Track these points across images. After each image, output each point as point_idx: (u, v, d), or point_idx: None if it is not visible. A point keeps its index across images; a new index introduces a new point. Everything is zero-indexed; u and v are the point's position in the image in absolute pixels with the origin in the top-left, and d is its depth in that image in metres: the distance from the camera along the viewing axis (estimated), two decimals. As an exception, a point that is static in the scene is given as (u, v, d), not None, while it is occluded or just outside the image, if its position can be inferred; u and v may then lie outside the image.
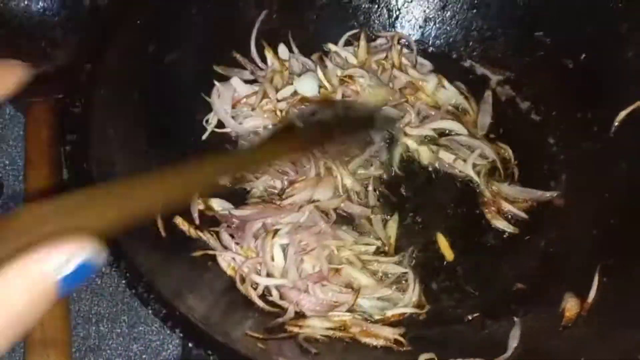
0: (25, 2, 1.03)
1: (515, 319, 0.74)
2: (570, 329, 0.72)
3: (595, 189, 0.86)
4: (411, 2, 1.02)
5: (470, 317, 0.79)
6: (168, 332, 0.84)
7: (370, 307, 0.79)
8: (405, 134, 0.93)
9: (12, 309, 0.33)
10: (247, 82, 0.95)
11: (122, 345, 0.83)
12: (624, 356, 0.62)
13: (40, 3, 1.03)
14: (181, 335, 0.57)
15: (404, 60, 1.01)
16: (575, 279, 0.77)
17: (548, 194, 0.89)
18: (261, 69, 0.97)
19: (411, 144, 0.92)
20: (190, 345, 0.57)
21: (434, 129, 0.94)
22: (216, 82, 0.92)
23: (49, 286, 0.34)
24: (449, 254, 0.85)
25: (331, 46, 1.00)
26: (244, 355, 0.57)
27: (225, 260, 0.80)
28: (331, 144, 0.79)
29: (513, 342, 0.72)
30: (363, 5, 1.02)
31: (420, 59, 1.02)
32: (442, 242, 0.85)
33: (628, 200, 0.81)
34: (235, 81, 0.93)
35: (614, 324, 0.69)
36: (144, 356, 0.83)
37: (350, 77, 0.95)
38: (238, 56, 0.96)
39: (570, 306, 0.74)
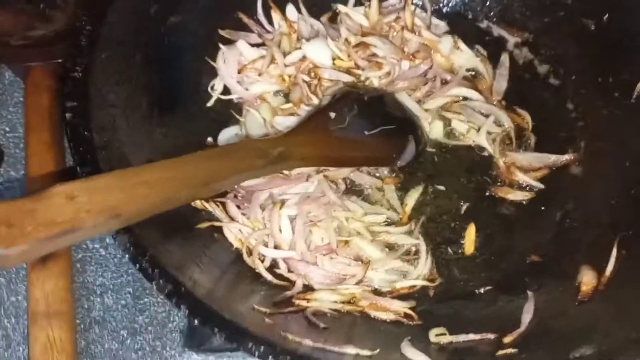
0: (24, -38, 1.00)
1: (529, 292, 0.72)
2: (586, 304, 0.70)
3: (615, 157, 0.83)
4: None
5: (482, 291, 0.78)
6: (174, 303, 0.83)
7: (379, 280, 0.78)
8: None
9: None
10: (253, 45, 0.91)
11: (127, 317, 0.83)
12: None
13: (39, -38, 1.00)
14: (187, 311, 0.55)
15: (417, 21, 0.97)
16: (593, 251, 0.75)
17: (564, 157, 0.87)
18: (268, 32, 0.94)
19: (425, 117, 0.89)
20: (196, 322, 0.55)
21: (451, 96, 0.91)
22: (222, 46, 0.89)
23: None
24: (468, 248, 0.82)
25: (341, 7, 0.96)
26: (250, 332, 0.56)
27: (231, 232, 0.78)
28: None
29: (527, 317, 0.70)
30: (374, -37, 0.97)
31: (435, 20, 0.99)
32: (470, 235, 0.83)
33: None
34: (242, 44, 0.89)
35: (633, 298, 0.67)
36: (149, 328, 0.82)
37: (364, 44, 0.91)
38: (244, 17, 0.93)
39: (587, 280, 0.72)
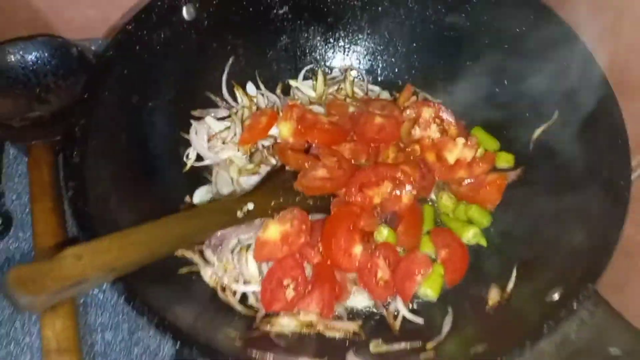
0: (20, 53, 1.17)
1: (449, 309, 0.90)
2: (491, 315, 0.87)
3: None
4: (359, 39, 1.17)
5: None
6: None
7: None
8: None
9: None
10: (220, 119, 1.10)
11: (125, 349, 0.98)
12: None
13: (33, 53, 1.17)
14: (171, 337, 0.72)
15: (356, 90, 1.16)
16: (499, 274, 0.93)
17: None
18: (232, 106, 1.12)
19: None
20: (177, 345, 0.71)
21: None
22: (192, 122, 1.07)
23: None
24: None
25: (292, 82, 1.15)
26: (222, 351, 0.72)
27: (207, 274, 0.95)
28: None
29: (446, 328, 0.88)
30: (318, 44, 1.17)
31: (371, 86, 1.18)
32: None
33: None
34: (209, 120, 1.08)
35: (521, 311, 0.85)
36: (143, 357, 0.97)
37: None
38: (211, 96, 1.11)
39: (493, 295, 0.90)
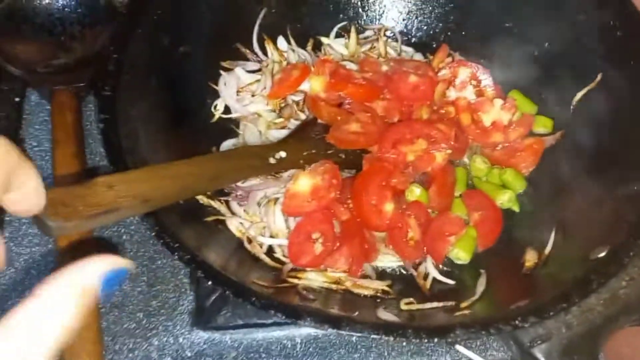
0: (47, 0, 1.14)
1: (481, 270, 0.87)
2: (528, 276, 0.84)
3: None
4: (395, -3, 1.14)
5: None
6: (183, 290, 0.96)
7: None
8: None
9: (64, 315, 0.40)
10: (249, 72, 1.07)
11: (143, 302, 0.95)
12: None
13: (60, 1, 1.14)
14: (202, 275, 0.69)
15: (389, 50, 1.13)
16: (535, 236, 0.90)
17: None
18: (262, 60, 1.09)
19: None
20: (209, 282, 0.68)
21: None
22: (222, 72, 1.04)
23: (93, 291, 0.42)
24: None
25: (324, 39, 1.12)
26: (253, 290, 0.69)
27: (233, 225, 0.92)
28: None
29: (480, 288, 0.85)
30: (352, 1, 1.14)
31: (404, 47, 1.15)
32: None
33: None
34: (239, 71, 1.05)
35: (561, 268, 0.82)
36: (162, 311, 0.94)
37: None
38: (242, 48, 1.08)
39: (530, 257, 0.87)
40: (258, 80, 1.05)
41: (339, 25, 1.13)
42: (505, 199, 0.97)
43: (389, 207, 0.93)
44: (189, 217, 0.84)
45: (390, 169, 0.95)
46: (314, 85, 1.02)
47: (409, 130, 0.97)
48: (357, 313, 0.77)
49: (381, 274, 0.94)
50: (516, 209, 0.98)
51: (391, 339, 0.67)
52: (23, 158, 0.48)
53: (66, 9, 1.15)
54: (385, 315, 0.79)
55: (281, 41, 1.10)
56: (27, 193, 0.50)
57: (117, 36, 0.87)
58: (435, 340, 0.67)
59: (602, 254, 0.73)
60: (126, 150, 0.78)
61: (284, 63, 1.09)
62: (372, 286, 0.89)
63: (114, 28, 0.88)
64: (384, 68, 1.06)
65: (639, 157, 0.84)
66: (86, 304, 0.42)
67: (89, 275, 0.42)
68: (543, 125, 1.02)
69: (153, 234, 0.71)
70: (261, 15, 1.08)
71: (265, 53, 1.09)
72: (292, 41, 1.11)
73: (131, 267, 0.47)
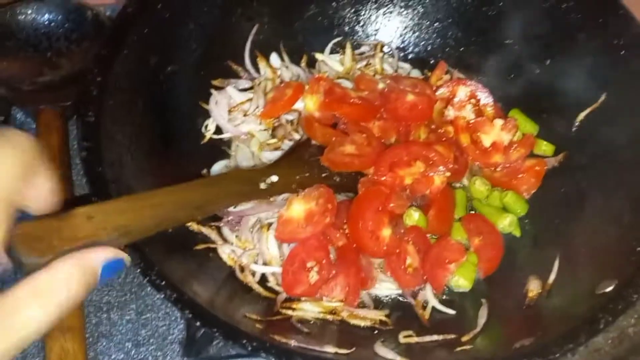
0: (32, 15, 1.11)
1: (482, 300, 0.84)
2: (532, 307, 0.81)
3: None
4: (392, 12, 1.10)
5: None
6: (173, 318, 0.93)
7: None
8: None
9: (67, 291, 0.49)
10: (241, 90, 1.03)
11: (132, 331, 0.91)
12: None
13: (46, 15, 1.11)
14: (190, 315, 0.65)
15: (385, 67, 1.09)
16: (538, 265, 0.87)
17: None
18: (254, 78, 1.05)
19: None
20: (197, 323, 0.65)
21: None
22: (213, 91, 1.00)
23: (95, 274, 0.52)
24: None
25: (318, 55, 1.09)
26: (243, 331, 0.66)
27: (225, 252, 0.88)
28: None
29: (482, 320, 0.81)
30: (347, 16, 1.10)
31: (401, 63, 1.11)
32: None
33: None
34: (231, 89, 1.01)
35: (569, 301, 0.78)
36: (151, 340, 0.91)
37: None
38: (233, 65, 1.04)
39: (533, 287, 0.84)
40: (250, 99, 1.02)
41: (333, 41, 1.10)
42: (506, 223, 0.94)
43: (386, 232, 0.90)
44: (178, 246, 0.80)
45: (387, 193, 0.91)
46: (308, 104, 0.98)
47: (406, 153, 0.93)
48: (353, 349, 0.73)
49: (378, 302, 0.90)
50: (517, 233, 0.94)
51: (388, 381, 0.63)
52: (45, 158, 0.53)
53: (52, 24, 1.11)
54: (382, 350, 0.75)
55: (274, 58, 1.07)
56: (42, 193, 0.54)
57: (100, 56, 0.83)
58: (435, 383, 0.63)
59: (610, 288, 0.70)
60: (111, 179, 0.74)
61: (277, 80, 1.05)
62: (369, 316, 0.86)
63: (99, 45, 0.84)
64: (381, 86, 1.02)
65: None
66: (87, 282, 0.51)
67: (92, 259, 0.52)
68: (544, 150, 0.99)
69: (138, 270, 0.67)
70: (253, 32, 1.04)
71: (257, 70, 1.06)
72: (286, 57, 1.07)
73: (127, 261, 0.58)
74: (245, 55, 1.04)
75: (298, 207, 0.89)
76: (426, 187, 0.94)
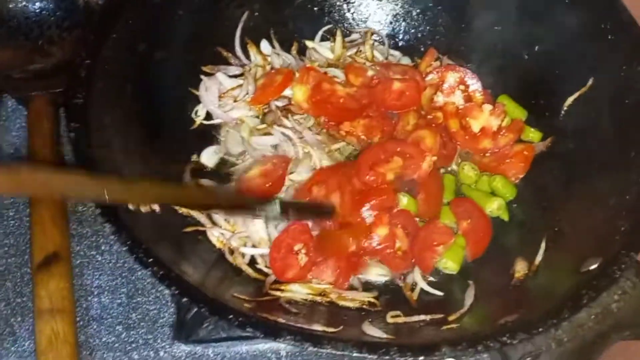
0: (23, 3, 1.10)
1: (470, 281, 0.84)
2: (518, 287, 0.82)
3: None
4: (382, 0, 1.11)
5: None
6: (164, 302, 0.93)
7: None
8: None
9: None
10: (231, 77, 1.03)
11: (122, 314, 0.92)
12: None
13: (37, 3, 1.10)
14: (176, 291, 0.66)
15: (376, 54, 1.10)
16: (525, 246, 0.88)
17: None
18: (244, 65, 1.06)
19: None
20: (184, 300, 0.65)
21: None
22: (203, 77, 1.01)
23: None
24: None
25: (308, 43, 1.09)
26: (230, 307, 0.66)
27: (214, 235, 0.89)
28: None
29: (469, 300, 0.82)
30: (337, 3, 1.11)
31: (391, 51, 1.12)
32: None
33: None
34: (221, 76, 1.02)
35: (553, 280, 0.79)
36: (142, 323, 0.91)
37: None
38: (223, 52, 1.05)
39: (520, 268, 0.84)
40: (240, 85, 1.02)
41: (324, 29, 1.10)
42: (494, 207, 0.95)
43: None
44: (167, 229, 0.81)
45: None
46: (297, 94, 0.99)
47: (382, 151, 0.95)
48: (341, 328, 0.74)
49: (367, 285, 0.91)
50: (505, 217, 0.95)
51: (375, 357, 0.64)
52: None
53: (43, 12, 1.10)
54: (370, 329, 0.76)
55: (265, 45, 1.07)
56: None
57: (89, 41, 0.83)
58: (421, 358, 0.63)
59: (594, 266, 0.71)
60: (98, 161, 0.74)
61: (268, 67, 1.06)
62: (358, 298, 0.86)
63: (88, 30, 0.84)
64: (370, 73, 1.03)
65: (632, 165, 0.81)
66: None
67: None
68: (531, 137, 1.00)
69: (125, 249, 0.67)
70: (243, 18, 1.05)
71: (248, 57, 1.06)
72: (277, 45, 1.08)
73: None
74: (235, 42, 1.05)
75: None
76: (414, 172, 0.95)
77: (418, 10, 1.11)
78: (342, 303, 0.85)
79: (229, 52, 1.05)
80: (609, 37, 0.89)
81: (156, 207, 0.78)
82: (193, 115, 1.01)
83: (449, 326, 0.76)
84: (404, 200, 0.93)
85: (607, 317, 0.70)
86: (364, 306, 0.85)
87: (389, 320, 0.80)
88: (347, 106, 1.00)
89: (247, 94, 1.02)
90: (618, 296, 0.70)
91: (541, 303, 0.74)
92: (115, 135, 0.82)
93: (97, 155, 0.75)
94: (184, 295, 0.66)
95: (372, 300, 0.86)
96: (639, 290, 0.71)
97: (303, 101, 1.00)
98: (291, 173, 0.94)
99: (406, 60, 1.11)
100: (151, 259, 0.67)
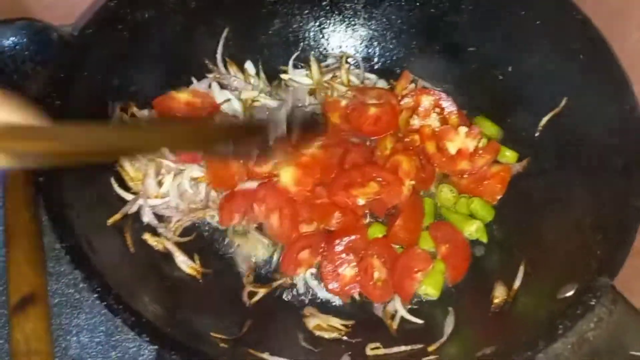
0: (-4, 38, 1.10)
1: (450, 308, 0.84)
2: (497, 314, 0.81)
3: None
4: (355, 25, 1.11)
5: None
6: (144, 339, 0.92)
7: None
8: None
9: None
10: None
11: (102, 353, 0.90)
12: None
13: (10, 38, 1.10)
14: (147, 339, 0.65)
15: (352, 78, 1.10)
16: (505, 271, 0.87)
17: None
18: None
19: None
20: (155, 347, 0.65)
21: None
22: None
23: None
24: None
25: (284, 76, 1.09)
26: (204, 353, 0.65)
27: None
28: None
29: (448, 329, 0.81)
30: (312, 30, 1.11)
31: (367, 74, 1.12)
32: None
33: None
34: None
35: (530, 309, 0.79)
36: (122, 361, 0.91)
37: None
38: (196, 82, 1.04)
39: (499, 293, 0.84)
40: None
41: (293, 57, 1.10)
42: (472, 230, 0.94)
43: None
44: (142, 268, 0.80)
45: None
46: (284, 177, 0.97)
47: (360, 174, 0.95)
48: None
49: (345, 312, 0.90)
50: (484, 239, 0.95)
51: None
52: None
53: (17, 47, 1.10)
54: (349, 364, 0.75)
55: (249, 65, 1.08)
56: None
57: (59, 80, 0.82)
58: (399, 395, 0.63)
59: (570, 293, 0.70)
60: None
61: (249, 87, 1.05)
62: (330, 322, 0.86)
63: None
64: (343, 103, 1.03)
65: (608, 184, 0.81)
66: None
67: None
68: (507, 157, 1.00)
69: (95, 295, 0.67)
70: (219, 48, 1.04)
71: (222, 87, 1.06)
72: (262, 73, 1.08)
73: None
74: (217, 58, 1.05)
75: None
76: (396, 198, 0.94)
77: (392, 34, 1.10)
78: (317, 333, 0.84)
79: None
80: (580, 57, 0.89)
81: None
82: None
83: (428, 358, 0.75)
84: (376, 230, 0.93)
85: (583, 346, 0.69)
86: (343, 337, 0.84)
87: (369, 352, 0.80)
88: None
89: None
90: (594, 324, 0.70)
91: (519, 333, 0.73)
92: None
93: (66, 200, 0.74)
94: (156, 343, 0.65)
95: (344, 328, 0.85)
96: (615, 316, 0.71)
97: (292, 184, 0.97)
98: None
99: (382, 83, 1.11)
100: (121, 306, 0.66)
